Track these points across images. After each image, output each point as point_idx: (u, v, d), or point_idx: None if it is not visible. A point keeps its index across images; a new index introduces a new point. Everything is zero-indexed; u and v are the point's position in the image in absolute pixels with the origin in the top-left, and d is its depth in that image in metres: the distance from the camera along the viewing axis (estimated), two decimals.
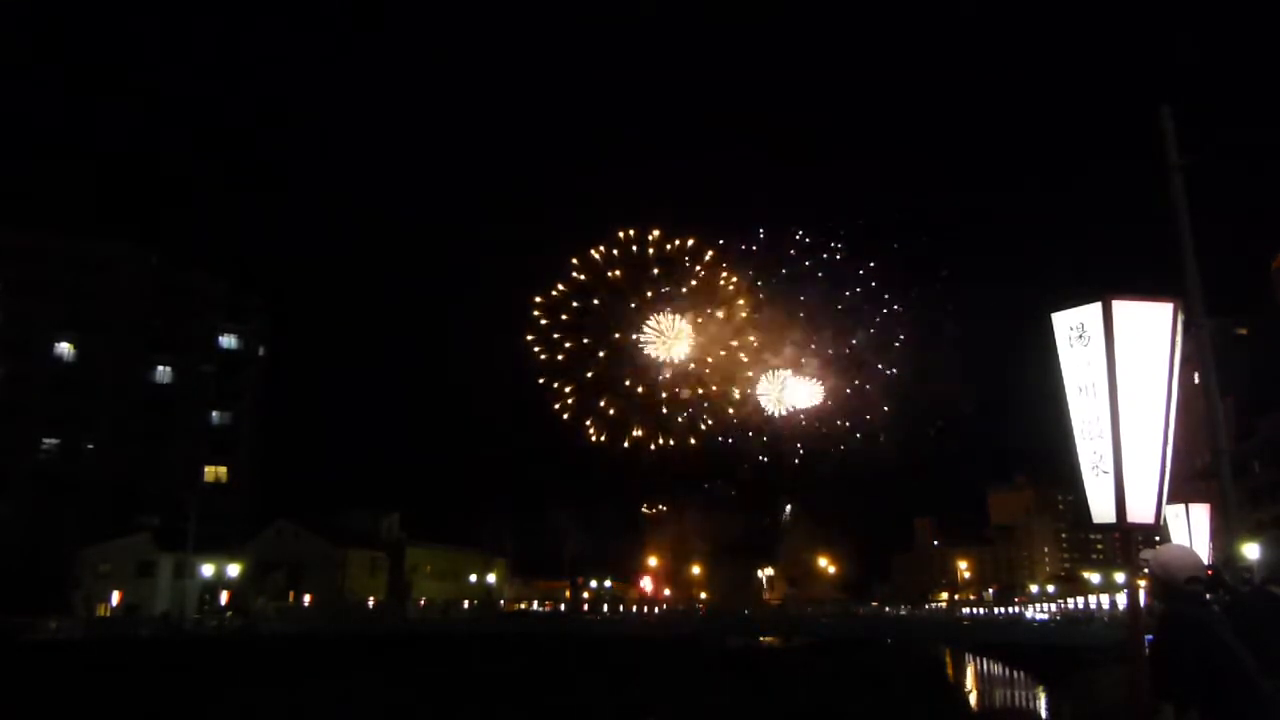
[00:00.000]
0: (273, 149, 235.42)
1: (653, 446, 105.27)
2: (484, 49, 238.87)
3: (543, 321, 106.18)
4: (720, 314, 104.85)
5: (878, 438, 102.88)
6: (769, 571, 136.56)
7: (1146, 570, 4.66)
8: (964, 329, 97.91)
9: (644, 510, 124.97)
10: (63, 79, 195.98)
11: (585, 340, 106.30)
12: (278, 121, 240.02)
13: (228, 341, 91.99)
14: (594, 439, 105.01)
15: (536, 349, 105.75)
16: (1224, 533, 9.94)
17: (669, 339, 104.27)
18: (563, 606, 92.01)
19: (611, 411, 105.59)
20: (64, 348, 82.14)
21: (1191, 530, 10.30)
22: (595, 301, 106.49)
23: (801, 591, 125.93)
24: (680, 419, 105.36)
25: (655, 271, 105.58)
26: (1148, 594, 4.77)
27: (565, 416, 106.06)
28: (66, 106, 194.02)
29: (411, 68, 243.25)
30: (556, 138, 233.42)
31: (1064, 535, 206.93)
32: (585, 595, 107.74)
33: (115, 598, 70.50)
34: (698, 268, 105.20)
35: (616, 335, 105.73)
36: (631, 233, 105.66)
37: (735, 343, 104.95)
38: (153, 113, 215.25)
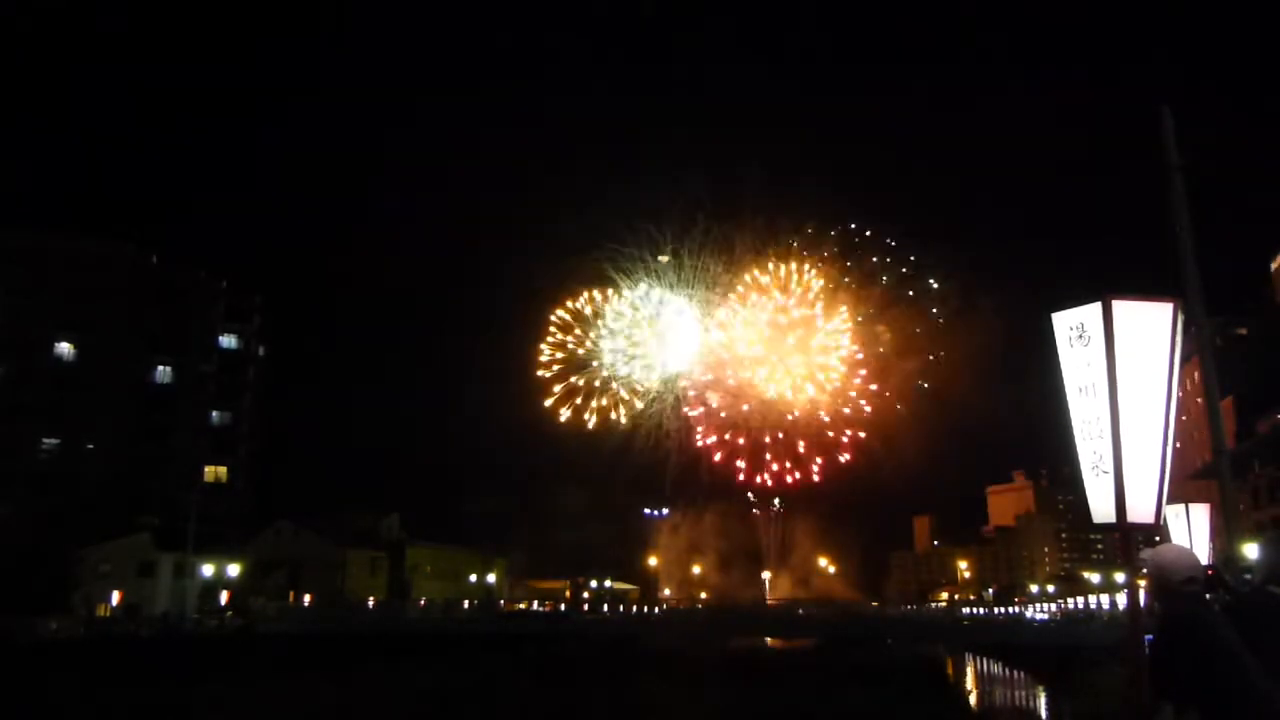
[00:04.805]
0: (273, 148, 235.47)
1: (672, 455, 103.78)
2: (485, 44, 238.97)
3: (553, 323, 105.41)
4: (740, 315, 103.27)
5: (897, 439, 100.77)
6: (771, 572, 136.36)
7: (1145, 570, 4.66)
8: (983, 331, 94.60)
9: (648, 511, 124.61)
10: (62, 78, 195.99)
11: (591, 344, 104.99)
12: (278, 121, 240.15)
13: (228, 341, 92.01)
14: (598, 439, 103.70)
15: (544, 349, 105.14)
16: (1224, 533, 9.93)
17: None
18: (563, 606, 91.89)
19: (617, 413, 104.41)
20: (64, 348, 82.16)
21: (1191, 530, 10.30)
22: (601, 304, 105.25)
23: (808, 591, 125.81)
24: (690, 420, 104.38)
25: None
26: (1148, 594, 4.77)
27: (570, 417, 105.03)
28: (66, 106, 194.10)
29: (411, 62, 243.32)
30: (557, 137, 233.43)
31: (1064, 535, 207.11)
32: (585, 595, 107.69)
33: (115, 598, 70.45)
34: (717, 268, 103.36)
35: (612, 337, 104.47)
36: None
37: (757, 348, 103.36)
38: (153, 112, 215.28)
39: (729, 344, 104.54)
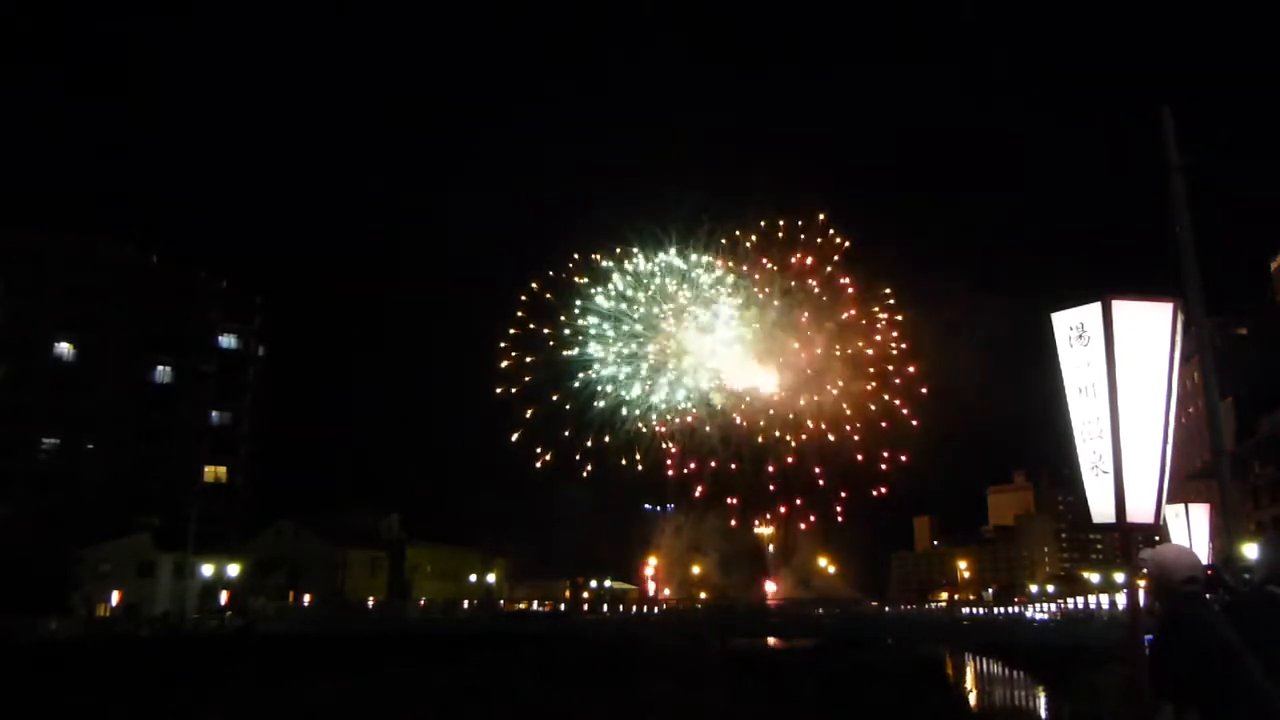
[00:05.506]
0: (273, 148, 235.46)
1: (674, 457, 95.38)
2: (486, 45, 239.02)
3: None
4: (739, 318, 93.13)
5: (906, 447, 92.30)
6: (772, 572, 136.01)
7: (1145, 570, 4.66)
8: (988, 332, 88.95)
9: (649, 506, 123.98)
10: (62, 79, 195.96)
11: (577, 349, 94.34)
12: (279, 120, 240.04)
13: (228, 341, 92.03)
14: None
15: (508, 348, 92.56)
16: (1224, 533, 9.94)
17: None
18: (563, 606, 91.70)
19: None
20: (64, 348, 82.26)
21: (1191, 530, 10.30)
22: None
23: (809, 591, 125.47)
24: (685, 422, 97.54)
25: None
26: (1148, 594, 4.77)
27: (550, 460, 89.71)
28: (66, 107, 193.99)
29: (411, 63, 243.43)
30: (557, 137, 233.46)
31: (1064, 535, 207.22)
32: (585, 595, 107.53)
33: (115, 598, 70.51)
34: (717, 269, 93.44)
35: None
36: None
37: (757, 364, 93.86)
38: (153, 111, 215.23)
39: (729, 341, 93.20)
